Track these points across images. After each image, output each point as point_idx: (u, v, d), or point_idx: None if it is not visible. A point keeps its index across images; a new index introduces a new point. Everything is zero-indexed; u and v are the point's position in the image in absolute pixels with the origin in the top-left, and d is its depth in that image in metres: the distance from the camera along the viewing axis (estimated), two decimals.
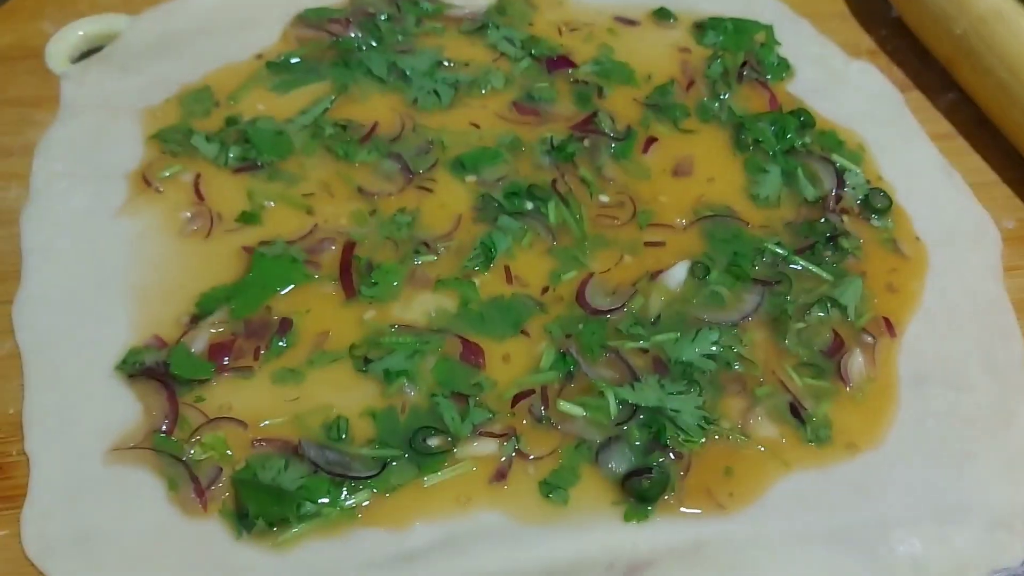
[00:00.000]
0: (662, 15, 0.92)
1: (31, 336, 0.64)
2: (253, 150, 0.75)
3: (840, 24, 0.95)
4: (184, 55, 0.83)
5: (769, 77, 0.87)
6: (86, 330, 0.65)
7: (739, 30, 0.91)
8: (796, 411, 0.64)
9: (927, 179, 0.80)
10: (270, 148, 0.76)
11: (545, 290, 0.69)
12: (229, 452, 0.59)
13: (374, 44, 0.86)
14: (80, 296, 0.67)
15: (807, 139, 0.81)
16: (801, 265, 0.72)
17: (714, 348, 0.66)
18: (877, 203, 0.77)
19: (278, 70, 0.83)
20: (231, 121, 0.78)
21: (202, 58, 0.83)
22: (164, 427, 0.60)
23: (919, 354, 0.68)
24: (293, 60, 0.83)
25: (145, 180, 0.73)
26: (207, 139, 0.76)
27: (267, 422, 0.61)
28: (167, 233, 0.70)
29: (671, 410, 0.62)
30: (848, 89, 0.87)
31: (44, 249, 0.69)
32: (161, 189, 0.73)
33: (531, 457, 0.60)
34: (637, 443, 0.61)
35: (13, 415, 0.61)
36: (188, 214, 0.71)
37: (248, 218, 0.71)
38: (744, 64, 0.87)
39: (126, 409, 0.61)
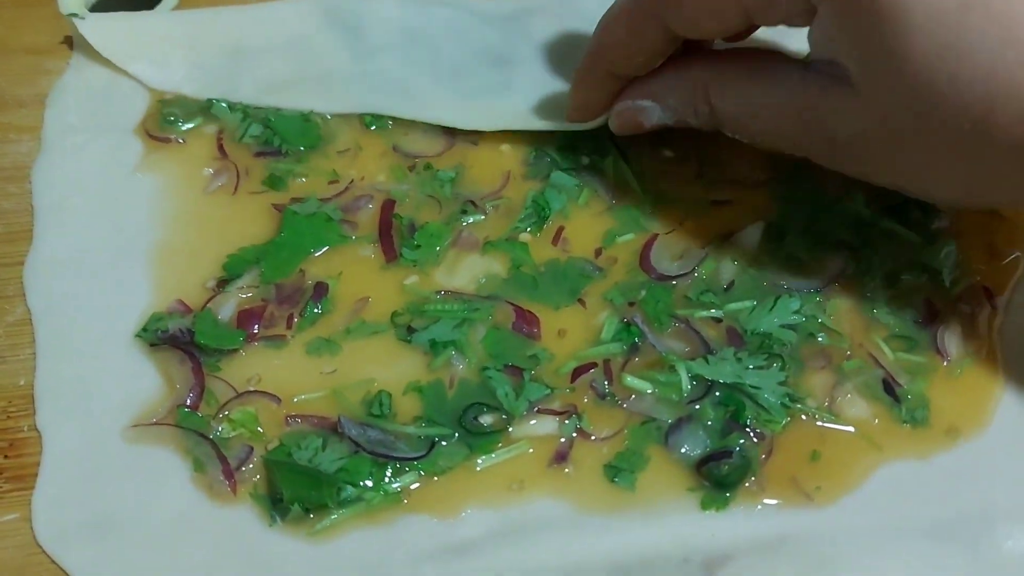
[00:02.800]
0: None
1: (44, 301, 0.59)
2: (276, 137, 0.67)
3: None
4: None
5: None
6: (103, 294, 0.59)
7: None
8: (889, 388, 0.57)
9: None
10: (295, 138, 0.68)
11: (598, 252, 0.63)
12: (260, 429, 0.53)
13: None
14: (97, 257, 0.61)
15: None
16: (887, 227, 0.64)
17: (795, 318, 0.59)
18: None
19: None
20: None
21: None
22: (189, 401, 0.54)
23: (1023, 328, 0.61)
24: None
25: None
26: (230, 108, 0.69)
27: (302, 396, 0.55)
28: (190, 190, 0.64)
29: (750, 386, 0.55)
30: None
31: (57, 207, 0.63)
32: (182, 140, 0.67)
33: (594, 438, 0.54)
34: (711, 423, 0.55)
35: (24, 387, 0.55)
36: (211, 171, 0.65)
37: (274, 183, 0.65)
38: None
39: (147, 381, 0.55)
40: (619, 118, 0.63)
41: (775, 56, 0.58)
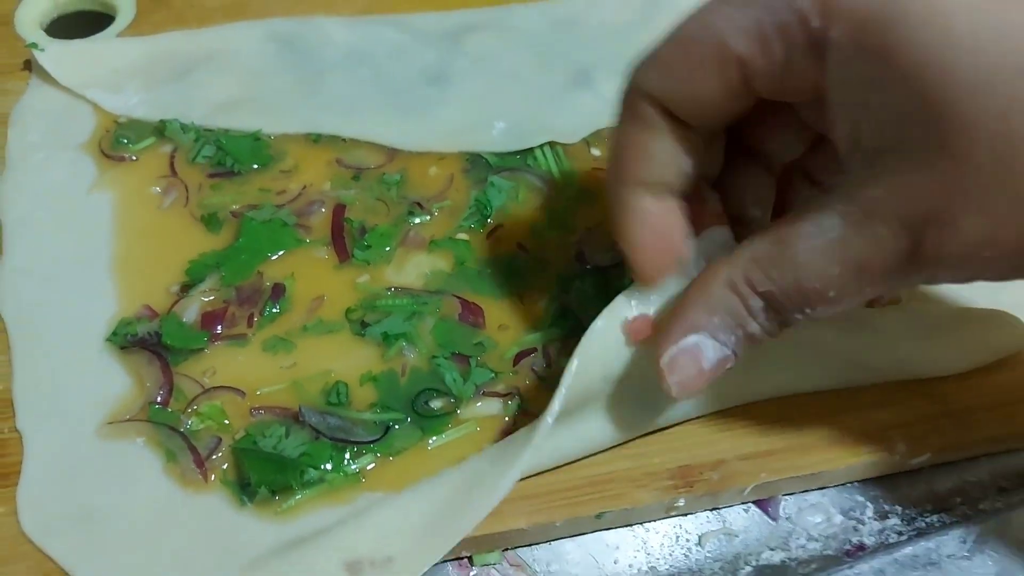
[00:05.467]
0: None
1: (16, 310, 0.62)
2: (228, 157, 0.72)
3: None
4: None
5: None
6: (73, 303, 0.63)
7: None
8: None
9: None
10: (247, 157, 0.72)
11: (523, 247, 0.68)
12: (227, 421, 0.58)
13: None
14: (65, 268, 0.65)
15: None
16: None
17: None
18: None
19: None
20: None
21: None
22: (159, 399, 0.58)
23: None
24: None
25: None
26: (183, 128, 0.73)
27: (265, 389, 0.59)
28: (146, 205, 0.69)
29: None
30: None
31: (24, 221, 0.67)
32: (135, 158, 0.72)
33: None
34: None
35: (3, 391, 0.59)
36: (158, 189, 0.70)
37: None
38: None
39: (119, 382, 0.59)
40: (672, 374, 0.48)
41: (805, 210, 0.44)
